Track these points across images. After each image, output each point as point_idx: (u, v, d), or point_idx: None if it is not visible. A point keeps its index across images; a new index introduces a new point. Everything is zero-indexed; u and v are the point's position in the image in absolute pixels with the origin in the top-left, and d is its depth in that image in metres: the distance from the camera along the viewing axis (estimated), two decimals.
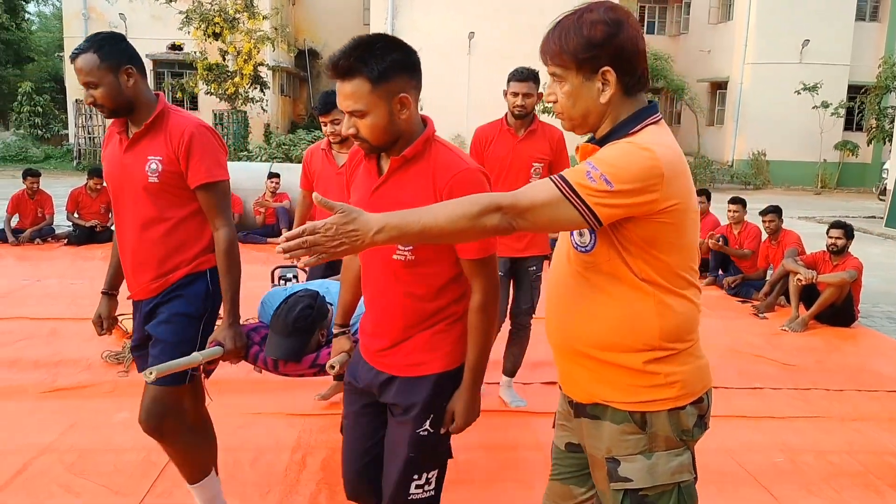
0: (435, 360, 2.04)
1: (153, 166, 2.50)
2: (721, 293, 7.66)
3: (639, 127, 1.63)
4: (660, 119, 1.66)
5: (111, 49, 2.46)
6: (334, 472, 3.41)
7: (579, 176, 1.53)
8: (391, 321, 2.06)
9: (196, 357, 2.44)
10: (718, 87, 25.56)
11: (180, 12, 18.63)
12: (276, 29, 19.82)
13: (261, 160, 18.37)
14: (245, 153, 19.45)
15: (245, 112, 20.46)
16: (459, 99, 22.53)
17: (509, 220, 1.54)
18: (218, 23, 18.40)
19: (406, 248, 1.96)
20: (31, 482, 3.28)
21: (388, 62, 1.84)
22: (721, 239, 7.81)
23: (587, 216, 1.53)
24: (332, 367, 2.35)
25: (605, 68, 1.61)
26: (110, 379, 4.48)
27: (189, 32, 18.88)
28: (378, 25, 22.44)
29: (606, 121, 1.67)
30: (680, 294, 1.65)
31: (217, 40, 18.74)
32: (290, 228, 9.32)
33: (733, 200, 7.96)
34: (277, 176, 9.73)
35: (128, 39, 2.57)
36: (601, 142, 1.66)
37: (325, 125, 3.86)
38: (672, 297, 1.65)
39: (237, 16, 18.80)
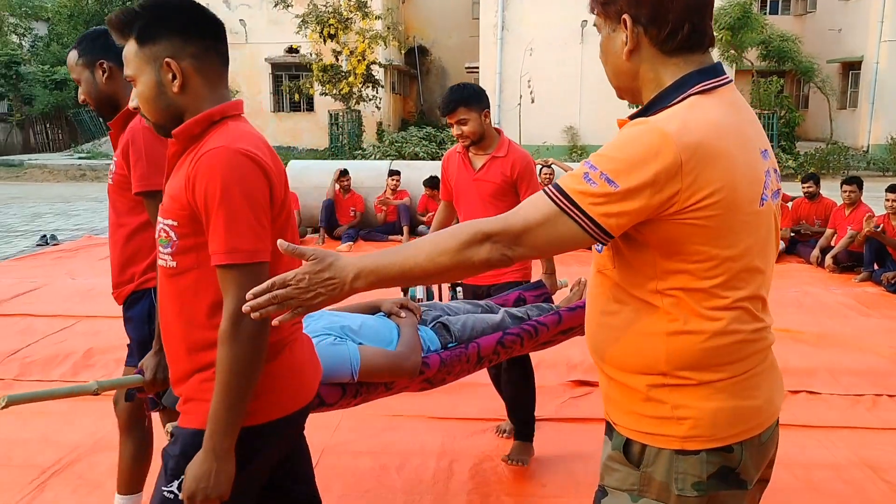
0: (196, 411, 1.62)
1: (111, 166, 2.43)
2: (879, 290, 7.01)
3: (679, 97, 1.33)
4: (715, 87, 1.34)
5: (88, 44, 2.44)
6: (484, 482, 3.28)
7: (576, 181, 1.27)
8: (172, 347, 1.70)
9: (90, 386, 2.11)
10: (851, 67, 23.86)
11: (297, 16, 19.11)
12: (388, 27, 20.03)
13: (374, 158, 18.63)
14: (359, 152, 19.77)
15: (359, 111, 20.80)
16: (572, 90, 22.04)
17: (502, 251, 1.31)
18: (332, 24, 18.76)
19: (166, 251, 1.62)
20: None
21: (153, 20, 1.59)
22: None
23: (591, 230, 1.26)
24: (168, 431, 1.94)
25: (624, 15, 1.36)
26: None
27: (305, 35, 19.35)
28: (488, 19, 22.26)
29: (648, 86, 1.39)
30: (708, 316, 1.32)
31: (331, 41, 19.12)
32: (410, 226, 9.04)
33: (892, 189, 7.29)
34: (398, 173, 9.73)
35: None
36: (643, 115, 1.36)
37: (452, 127, 3.46)
38: (694, 318, 1.33)
39: (350, 16, 19.11)
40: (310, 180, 10.08)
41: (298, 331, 1.77)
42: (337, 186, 9.71)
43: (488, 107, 3.41)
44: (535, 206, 1.31)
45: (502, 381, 3.50)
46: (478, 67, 23.83)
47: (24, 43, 30.67)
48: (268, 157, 1.61)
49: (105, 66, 2.42)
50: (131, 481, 2.79)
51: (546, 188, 1.32)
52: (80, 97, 2.48)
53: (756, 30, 20.30)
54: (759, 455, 1.41)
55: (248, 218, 1.52)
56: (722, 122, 1.30)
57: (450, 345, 2.65)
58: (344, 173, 9.70)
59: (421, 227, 9.47)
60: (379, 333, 2.51)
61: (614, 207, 1.24)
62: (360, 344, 2.41)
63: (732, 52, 20.47)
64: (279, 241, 1.36)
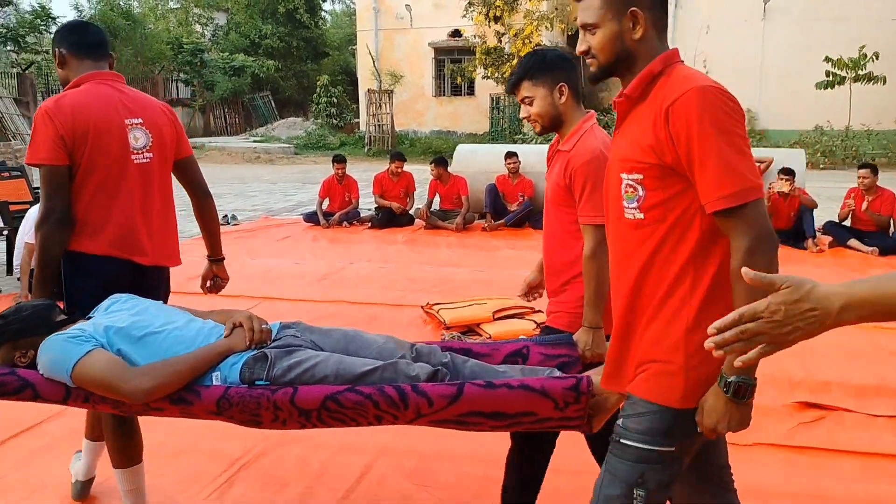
0: None
1: None
2: None
3: None
4: None
5: (54, 36, 2.72)
6: None
7: None
8: None
9: None
10: None
11: None
12: (556, 9, 19.45)
13: (536, 143, 18.18)
14: (520, 136, 19.40)
15: None
16: (752, 69, 20.50)
17: None
18: (498, 6, 18.45)
19: None
20: (374, 489, 3.09)
21: None
22: None
23: None
24: None
25: None
26: None
27: (470, 18, 19.18)
28: None
29: None
30: None
31: (496, 23, 18.83)
32: None
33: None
34: None
35: (84, 27, 2.71)
36: None
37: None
38: None
39: None
40: (476, 164, 9.85)
41: None
42: (506, 171, 9.39)
43: (568, 80, 2.37)
44: None
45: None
46: None
47: (206, 32, 32.80)
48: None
49: (56, 53, 2.69)
50: None
51: None
52: None
53: None
54: None
55: None
56: None
57: (258, 382, 2.12)
58: (510, 154, 9.35)
59: None
60: (176, 346, 2.18)
61: None
62: (118, 350, 2.16)
63: None
64: (743, 269, 1.21)
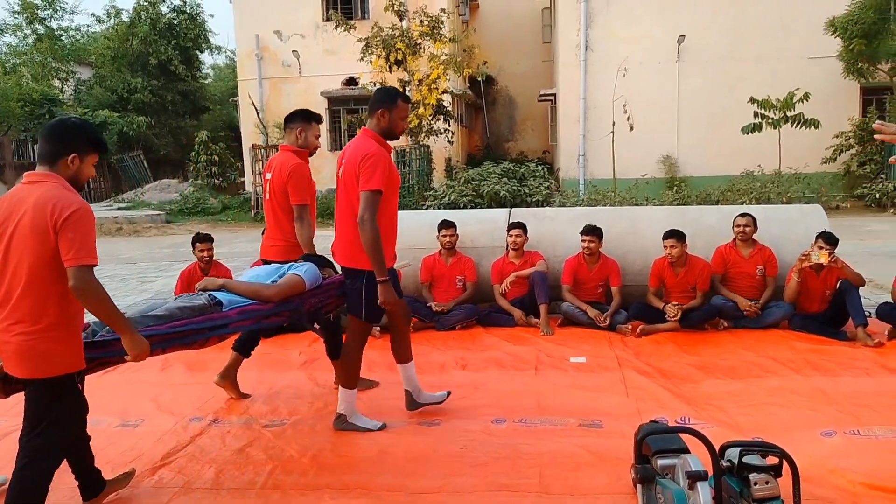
0: None
1: None
2: None
3: None
4: None
5: None
6: None
7: None
8: None
9: None
10: None
11: (359, 40, 16.70)
12: (465, 51, 17.48)
13: (448, 199, 15.98)
14: (430, 192, 17.13)
15: (428, 146, 18.21)
16: (668, 115, 19.28)
17: None
18: (400, 48, 16.27)
19: None
20: None
21: None
22: None
23: None
24: None
25: None
26: None
27: (368, 62, 16.92)
28: (569, 38, 19.67)
29: None
30: None
31: (398, 68, 16.63)
32: (548, 301, 5.33)
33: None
34: (521, 227, 6.89)
35: None
36: None
37: None
38: None
39: (420, 41, 16.60)
40: (400, 239, 7.23)
41: None
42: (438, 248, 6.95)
43: (77, 150, 3.06)
44: None
45: None
46: (553, 94, 21.24)
47: (66, 87, 29.16)
48: None
49: None
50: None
51: None
52: None
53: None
54: None
55: None
56: None
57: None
58: (446, 225, 6.95)
59: (565, 306, 6.60)
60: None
61: None
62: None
63: (862, 65, 17.40)
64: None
